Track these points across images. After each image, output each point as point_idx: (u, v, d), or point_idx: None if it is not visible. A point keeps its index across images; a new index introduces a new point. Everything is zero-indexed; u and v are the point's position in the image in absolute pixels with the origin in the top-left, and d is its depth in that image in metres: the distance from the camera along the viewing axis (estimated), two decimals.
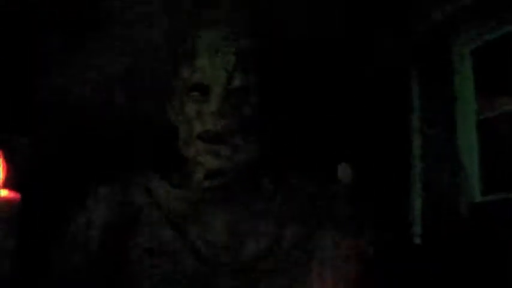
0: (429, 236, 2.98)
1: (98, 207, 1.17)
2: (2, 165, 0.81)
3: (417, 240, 3.00)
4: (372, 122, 3.30)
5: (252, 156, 1.15)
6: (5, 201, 0.76)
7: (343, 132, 3.12)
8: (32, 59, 2.12)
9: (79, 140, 2.26)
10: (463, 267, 2.61)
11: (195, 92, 1.14)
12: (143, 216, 1.16)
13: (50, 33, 1.91)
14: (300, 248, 1.09)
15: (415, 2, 3.17)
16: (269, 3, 1.31)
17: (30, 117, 2.39)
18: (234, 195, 1.14)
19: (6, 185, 0.79)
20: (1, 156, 0.82)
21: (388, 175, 3.25)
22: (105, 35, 1.80)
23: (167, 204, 1.15)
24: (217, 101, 1.11)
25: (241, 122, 1.13)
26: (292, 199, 1.16)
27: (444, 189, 3.03)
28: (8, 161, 0.82)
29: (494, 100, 3.18)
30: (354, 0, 2.68)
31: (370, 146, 3.26)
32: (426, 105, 3.37)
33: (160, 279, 1.08)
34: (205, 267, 1.08)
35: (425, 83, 3.44)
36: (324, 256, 1.08)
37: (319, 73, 2.99)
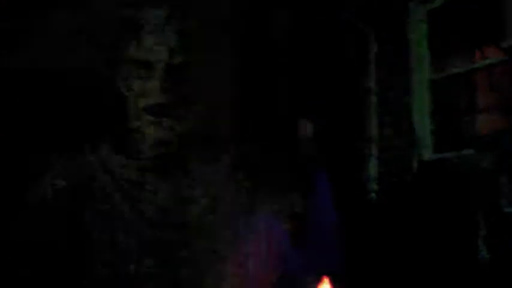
0: (383, 192, 3.12)
1: (56, 168, 1.27)
2: None
3: (372, 196, 3.14)
4: (330, 83, 3.39)
5: (194, 127, 1.26)
6: None
7: (303, 96, 3.21)
8: None
9: (33, 108, 2.31)
10: (414, 219, 2.77)
11: (141, 69, 1.24)
12: (96, 181, 1.26)
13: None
14: (237, 210, 1.21)
15: None
16: None
17: None
18: (177, 163, 1.25)
19: None
20: None
21: (344, 134, 3.37)
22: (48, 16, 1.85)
23: (116, 171, 1.26)
24: (160, 76, 1.21)
25: (183, 96, 1.24)
26: (234, 166, 1.27)
27: (398, 147, 3.14)
28: None
29: (446, 61, 3.28)
30: None
31: (328, 106, 3.36)
32: (382, 66, 3.45)
33: (110, 240, 1.19)
34: (152, 228, 1.19)
35: (381, 44, 3.51)
36: (258, 216, 1.20)
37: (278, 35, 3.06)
